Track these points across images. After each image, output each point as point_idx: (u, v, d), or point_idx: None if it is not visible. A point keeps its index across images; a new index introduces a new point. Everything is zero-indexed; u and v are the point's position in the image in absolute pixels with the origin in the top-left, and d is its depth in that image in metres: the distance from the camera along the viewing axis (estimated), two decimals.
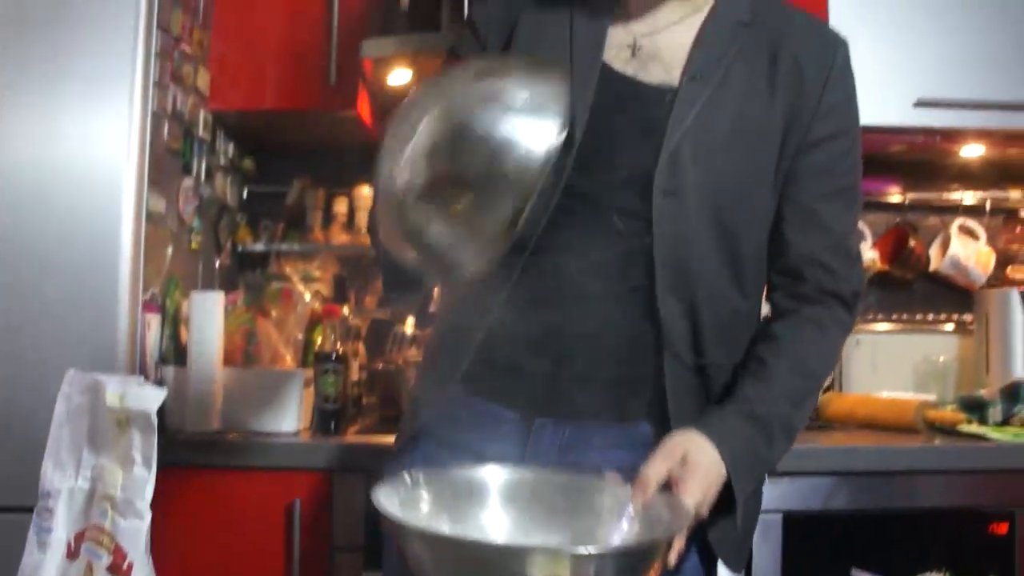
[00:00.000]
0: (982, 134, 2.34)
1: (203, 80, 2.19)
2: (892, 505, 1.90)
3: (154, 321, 1.95)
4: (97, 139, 1.82)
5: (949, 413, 2.11)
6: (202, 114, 2.20)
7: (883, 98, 2.21)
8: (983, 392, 2.19)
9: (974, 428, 2.04)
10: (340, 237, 2.51)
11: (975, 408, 2.16)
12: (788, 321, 1.29)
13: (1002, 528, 1.93)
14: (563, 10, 1.31)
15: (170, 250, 2.03)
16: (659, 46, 1.28)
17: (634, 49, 1.28)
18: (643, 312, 1.22)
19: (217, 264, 2.36)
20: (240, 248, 2.50)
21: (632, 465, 1.21)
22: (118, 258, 1.82)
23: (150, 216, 1.89)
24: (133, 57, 1.84)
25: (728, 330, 1.27)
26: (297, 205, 2.53)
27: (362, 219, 2.51)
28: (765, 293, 1.36)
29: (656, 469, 1.08)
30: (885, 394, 2.38)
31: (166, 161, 2.00)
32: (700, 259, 1.23)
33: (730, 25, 1.28)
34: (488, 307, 1.25)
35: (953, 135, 2.33)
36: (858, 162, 1.33)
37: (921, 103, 2.23)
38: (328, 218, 2.54)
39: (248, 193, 2.56)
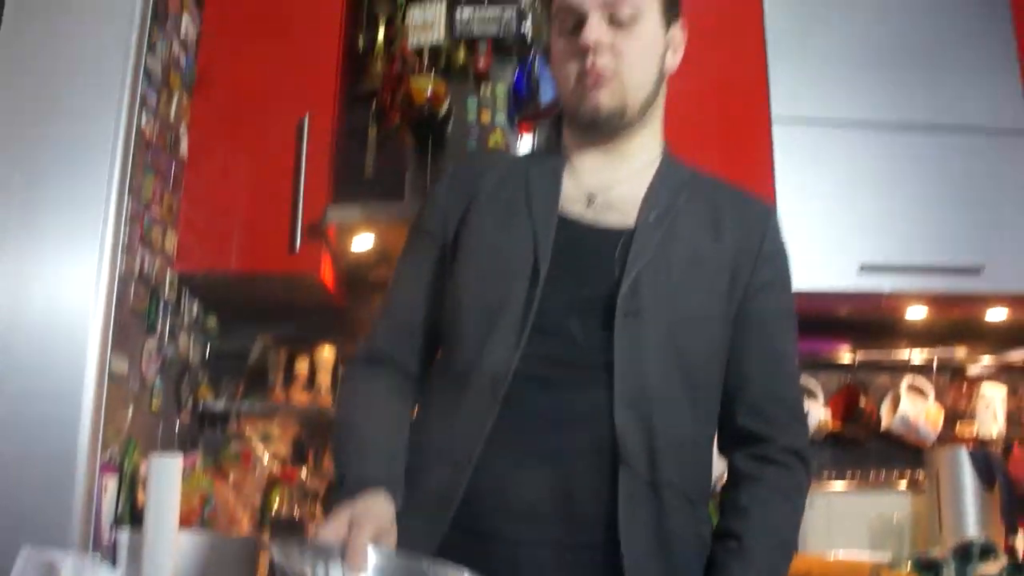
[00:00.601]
0: (924, 296, 2.42)
1: (171, 242, 2.24)
2: None
3: (111, 482, 1.94)
4: (64, 301, 1.85)
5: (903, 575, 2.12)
6: (168, 275, 2.24)
7: (829, 264, 2.33)
8: (936, 552, 2.20)
9: None
10: (300, 397, 2.52)
11: (929, 568, 2.17)
12: (754, 491, 1.34)
13: None
14: (519, 177, 1.43)
15: (131, 410, 2.03)
16: (612, 198, 1.40)
17: (590, 201, 1.40)
18: (603, 439, 1.26)
19: (177, 423, 2.35)
20: (200, 406, 2.50)
21: None
22: (78, 419, 1.82)
23: (112, 377, 1.90)
24: (104, 223, 1.89)
25: (682, 452, 1.31)
26: (259, 364, 2.55)
27: (323, 379, 2.53)
28: (726, 451, 1.41)
29: None
30: (841, 553, 2.39)
31: (131, 322, 2.03)
32: (657, 381, 1.29)
33: (675, 180, 1.43)
34: (463, 474, 1.27)
35: (897, 298, 2.42)
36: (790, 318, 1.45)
37: (865, 268, 2.33)
38: (289, 377, 2.55)
39: (210, 351, 2.57)
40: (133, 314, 2.04)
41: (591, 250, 1.36)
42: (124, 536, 1.94)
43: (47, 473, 1.79)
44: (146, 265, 2.09)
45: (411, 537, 1.27)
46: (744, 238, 1.40)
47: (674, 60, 1.46)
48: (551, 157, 1.46)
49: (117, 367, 1.94)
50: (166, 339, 2.25)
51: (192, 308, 2.45)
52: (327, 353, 2.55)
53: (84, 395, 1.84)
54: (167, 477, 1.93)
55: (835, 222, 2.36)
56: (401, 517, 1.29)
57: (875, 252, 2.34)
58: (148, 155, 2.08)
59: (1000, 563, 2.09)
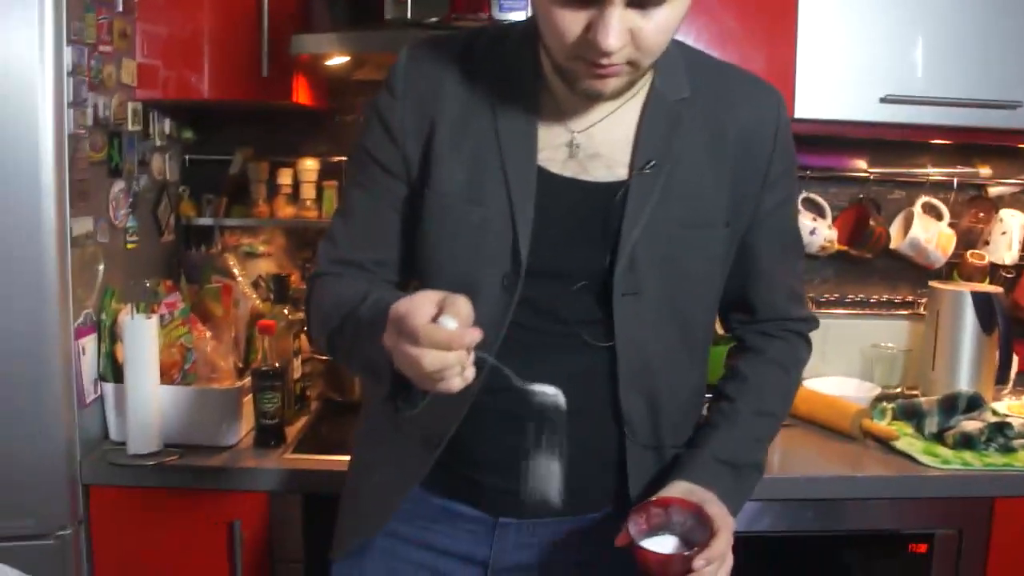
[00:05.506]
0: (946, 129, 2.25)
1: (128, 72, 2.06)
2: (815, 529, 1.95)
3: (90, 344, 1.94)
4: (16, 172, 1.75)
5: (884, 427, 2.12)
6: (130, 107, 2.10)
7: (851, 94, 2.17)
8: (922, 400, 2.20)
9: (906, 445, 2.05)
10: (285, 210, 2.43)
11: (912, 415, 2.19)
12: (756, 361, 1.37)
13: (922, 548, 1.99)
14: (484, 110, 1.23)
15: (101, 267, 1.98)
16: (597, 141, 1.22)
17: (571, 148, 1.22)
18: (606, 411, 1.25)
19: (157, 254, 2.30)
20: (183, 222, 2.44)
21: (588, 561, 1.30)
22: (44, 296, 1.79)
23: (75, 241, 1.84)
24: (42, 91, 1.74)
25: (683, 409, 1.32)
26: (239, 178, 2.44)
27: (307, 191, 2.43)
28: (733, 329, 1.42)
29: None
30: (832, 380, 2.40)
31: (90, 176, 1.92)
32: (661, 354, 1.26)
33: (670, 105, 1.23)
34: (453, 418, 1.23)
35: (918, 130, 2.24)
36: (797, 217, 1.42)
37: (887, 99, 2.16)
38: (272, 190, 2.45)
39: (189, 162, 2.47)
40: (91, 167, 1.92)
41: (576, 217, 1.21)
42: (108, 389, 1.98)
43: (22, 349, 1.79)
44: (100, 109, 1.94)
45: (393, 465, 1.30)
46: (751, 161, 1.26)
47: None
48: (523, 77, 1.22)
49: (80, 228, 1.87)
50: (135, 173, 2.15)
51: (163, 128, 2.31)
52: (310, 164, 2.43)
53: (46, 269, 1.79)
54: (143, 338, 1.93)
55: (859, 53, 2.15)
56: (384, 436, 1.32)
57: (897, 83, 2.15)
58: None
59: (983, 421, 2.09)
